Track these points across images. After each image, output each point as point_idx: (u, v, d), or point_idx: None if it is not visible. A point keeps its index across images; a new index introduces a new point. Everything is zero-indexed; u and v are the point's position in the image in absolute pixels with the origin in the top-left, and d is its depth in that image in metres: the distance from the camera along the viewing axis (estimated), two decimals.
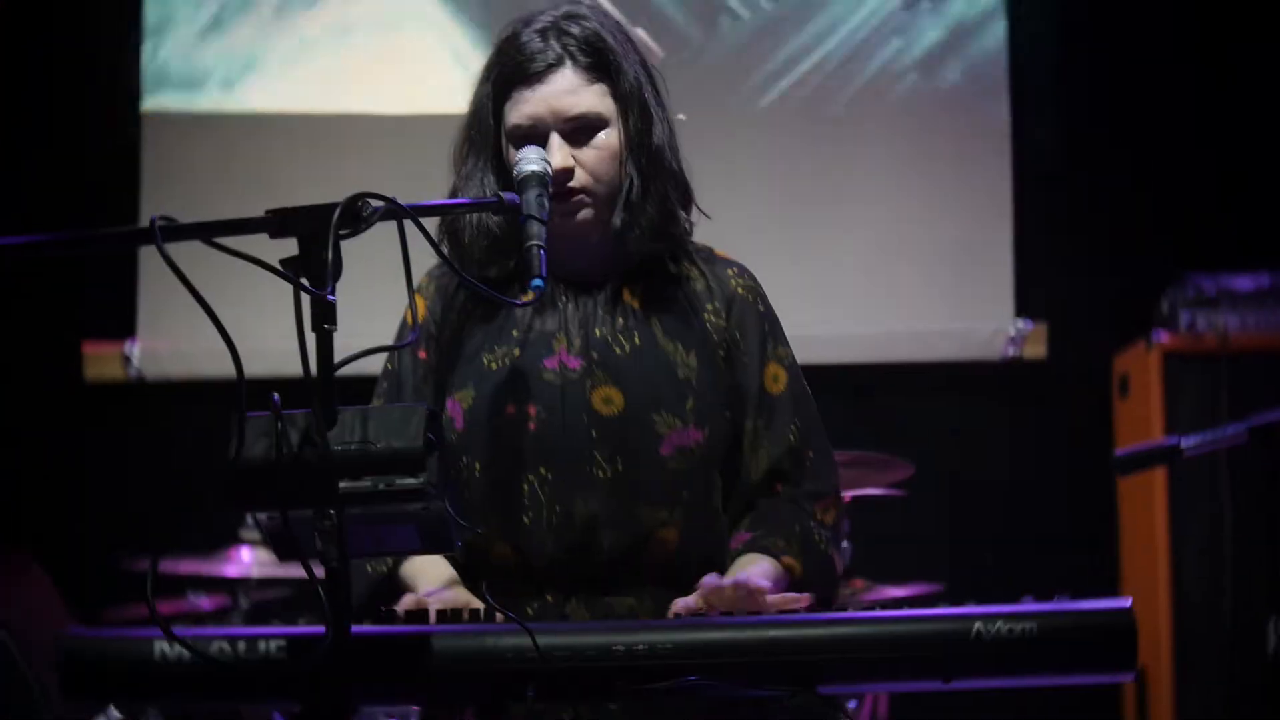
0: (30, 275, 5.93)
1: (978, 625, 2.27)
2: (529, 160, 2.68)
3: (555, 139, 2.76)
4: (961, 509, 6.14)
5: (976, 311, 6.41)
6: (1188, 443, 2.96)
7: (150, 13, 6.49)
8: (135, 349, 6.34)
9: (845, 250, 6.44)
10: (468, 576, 2.78)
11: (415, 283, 2.54)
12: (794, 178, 6.48)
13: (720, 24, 6.54)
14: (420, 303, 2.90)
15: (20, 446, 6.27)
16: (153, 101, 6.46)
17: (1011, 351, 6.38)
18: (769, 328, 2.93)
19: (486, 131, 2.83)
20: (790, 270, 6.32)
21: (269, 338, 3.69)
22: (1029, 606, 2.29)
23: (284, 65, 6.50)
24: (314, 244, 2.17)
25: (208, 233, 2.06)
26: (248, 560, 5.19)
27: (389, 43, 6.45)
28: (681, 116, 6.29)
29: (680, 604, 2.58)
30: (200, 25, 6.51)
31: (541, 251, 2.56)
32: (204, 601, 5.47)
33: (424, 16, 6.44)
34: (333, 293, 2.17)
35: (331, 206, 2.18)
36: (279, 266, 2.17)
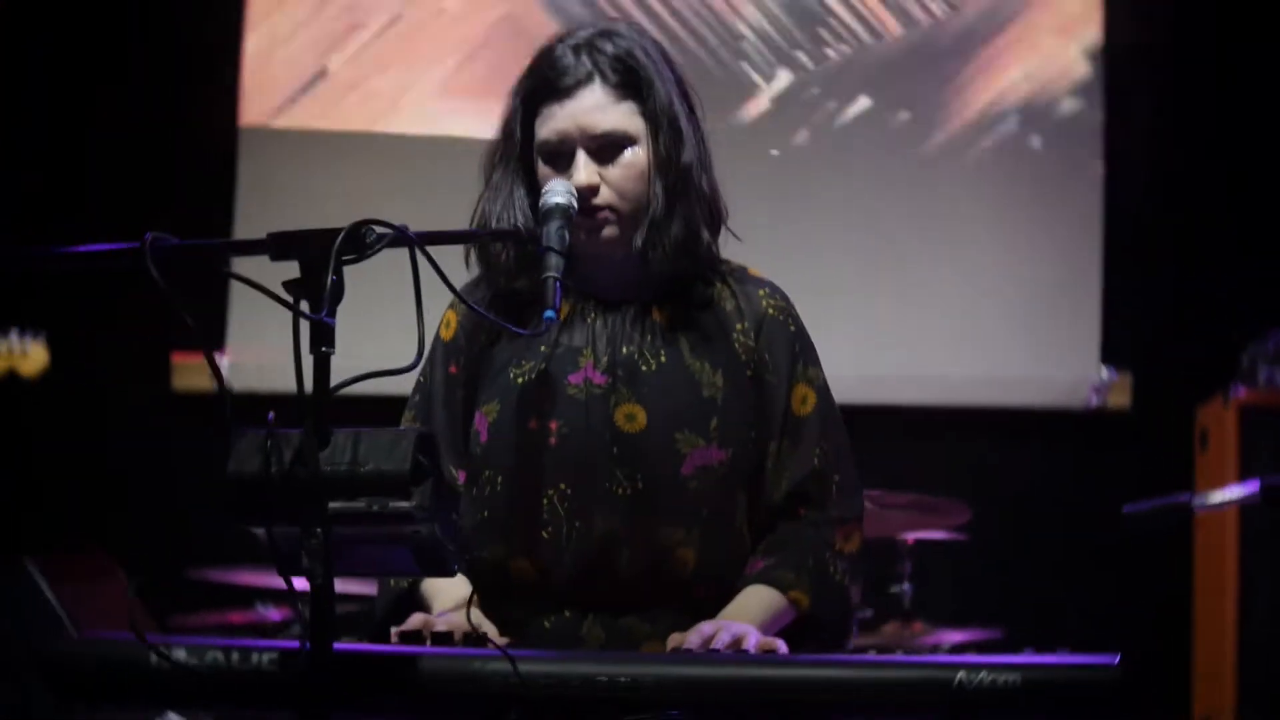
0: (125, 285, 6.04)
1: (961, 675, 2.25)
2: (555, 192, 2.70)
3: (582, 155, 2.76)
4: (1030, 556, 6.09)
5: (1061, 358, 6.37)
6: (1199, 501, 2.93)
7: (252, 27, 6.60)
8: (224, 361, 6.44)
9: (931, 292, 6.43)
10: (488, 591, 2.79)
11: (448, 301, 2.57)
12: (882, 217, 6.48)
13: (823, 57, 6.56)
14: (452, 318, 2.92)
15: (109, 453, 6.39)
16: (251, 116, 6.57)
17: (1096, 400, 6.33)
18: (799, 348, 2.91)
19: (516, 145, 2.83)
20: (875, 310, 6.34)
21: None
22: (1013, 658, 2.27)
23: (382, 85, 6.59)
24: (316, 268, 2.21)
25: (207, 253, 2.10)
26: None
27: (494, 67, 6.51)
28: (774, 152, 6.32)
29: (675, 640, 2.60)
30: (302, 42, 6.61)
31: (557, 284, 2.58)
32: (272, 613, 5.54)
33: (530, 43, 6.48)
34: (332, 316, 2.20)
35: (335, 232, 2.22)
36: (281, 291, 2.20)
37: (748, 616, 2.71)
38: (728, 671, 2.30)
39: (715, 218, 2.89)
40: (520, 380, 2.82)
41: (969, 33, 6.57)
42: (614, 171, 2.78)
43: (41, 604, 5.32)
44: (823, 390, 2.92)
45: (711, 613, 2.71)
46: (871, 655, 2.34)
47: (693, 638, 2.57)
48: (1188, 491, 3.02)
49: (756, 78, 6.51)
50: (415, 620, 2.63)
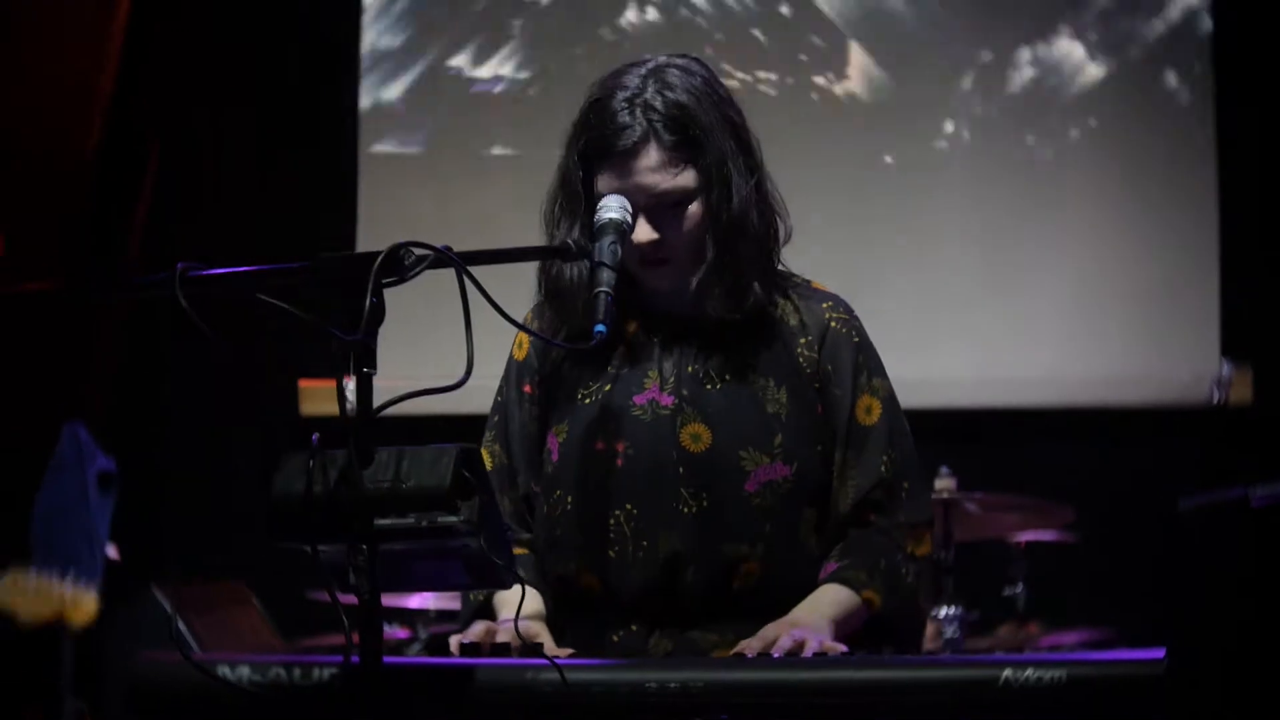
0: (253, 312, 6.16)
1: (1007, 673, 2.25)
2: (609, 208, 2.73)
3: (642, 215, 2.79)
4: (1147, 556, 6.01)
5: (1181, 354, 6.30)
6: (1257, 495, 2.89)
7: (370, 54, 6.72)
8: (351, 385, 6.52)
9: (1045, 291, 6.38)
10: (561, 606, 2.85)
11: (521, 319, 2.66)
12: (996, 215, 6.45)
13: (915, 60, 6.56)
14: (525, 338, 2.97)
15: (240, 479, 6.51)
16: (373, 142, 6.68)
17: (1217, 396, 6.25)
18: (863, 359, 2.91)
19: (576, 198, 2.85)
20: (989, 313, 6.31)
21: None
22: (1059, 655, 2.28)
23: (498, 107, 6.68)
24: (355, 291, 2.27)
25: (242, 280, 2.15)
26: (429, 594, 5.33)
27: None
28: (889, 159, 6.31)
29: (743, 646, 2.62)
30: (420, 67, 6.71)
31: (609, 298, 2.61)
32: (398, 632, 5.63)
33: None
34: (373, 338, 2.26)
35: (373, 255, 2.27)
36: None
37: (819, 613, 2.73)
38: (775, 675, 2.33)
39: (774, 244, 2.90)
40: (588, 402, 2.87)
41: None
42: (673, 225, 2.80)
43: (171, 633, 5.44)
44: (889, 400, 2.93)
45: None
46: (919, 656, 2.33)
47: (755, 642, 2.59)
48: (1241, 486, 2.97)
49: (846, 83, 6.52)
50: (476, 630, 2.68)
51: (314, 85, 6.78)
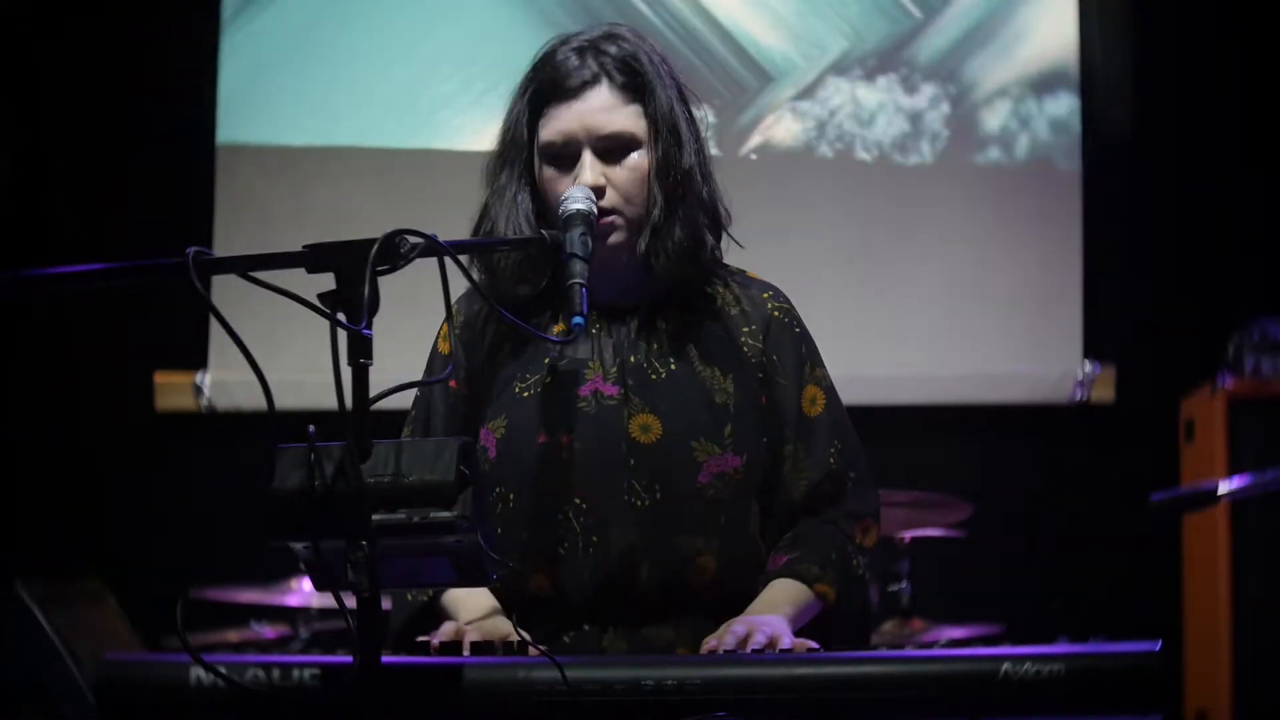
0: (104, 304, 6.02)
1: (1005, 666, 2.26)
2: (575, 199, 2.69)
3: (588, 156, 2.76)
4: (1024, 551, 6.11)
5: (1045, 355, 6.40)
6: (1225, 487, 2.94)
7: (226, 45, 6.58)
8: (206, 379, 6.41)
9: (916, 292, 6.45)
10: (506, 607, 2.78)
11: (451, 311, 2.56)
12: (866, 219, 6.49)
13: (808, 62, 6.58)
14: (448, 331, 2.90)
15: (93, 474, 6.35)
16: (227, 134, 6.55)
17: (1080, 395, 6.36)
18: (806, 350, 2.92)
19: (521, 147, 2.82)
20: (861, 310, 6.35)
21: (307, 370, 3.73)
22: (1057, 648, 2.28)
23: (356, 99, 6.58)
24: (351, 279, 2.20)
25: (244, 266, 2.09)
26: (309, 590, 5.24)
27: (468, 77, 6.50)
28: (753, 156, 6.31)
29: (712, 642, 2.59)
30: (275, 58, 6.59)
31: (583, 290, 2.57)
32: (267, 631, 5.53)
33: (504, 51, 6.46)
34: (369, 328, 2.19)
35: (369, 242, 2.21)
36: (316, 301, 2.20)
37: (776, 611, 2.71)
38: (774, 671, 2.30)
39: (716, 223, 2.89)
40: (526, 394, 2.81)
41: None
42: (619, 174, 2.78)
43: (35, 629, 5.29)
44: (830, 390, 2.94)
45: (734, 614, 2.70)
46: (917, 650, 2.32)
47: (728, 639, 2.57)
48: (1213, 479, 3.02)
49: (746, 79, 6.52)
50: (448, 629, 2.62)
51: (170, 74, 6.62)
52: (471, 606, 2.76)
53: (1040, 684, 2.25)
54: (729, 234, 2.91)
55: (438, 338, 2.94)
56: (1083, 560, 6.15)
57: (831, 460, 2.88)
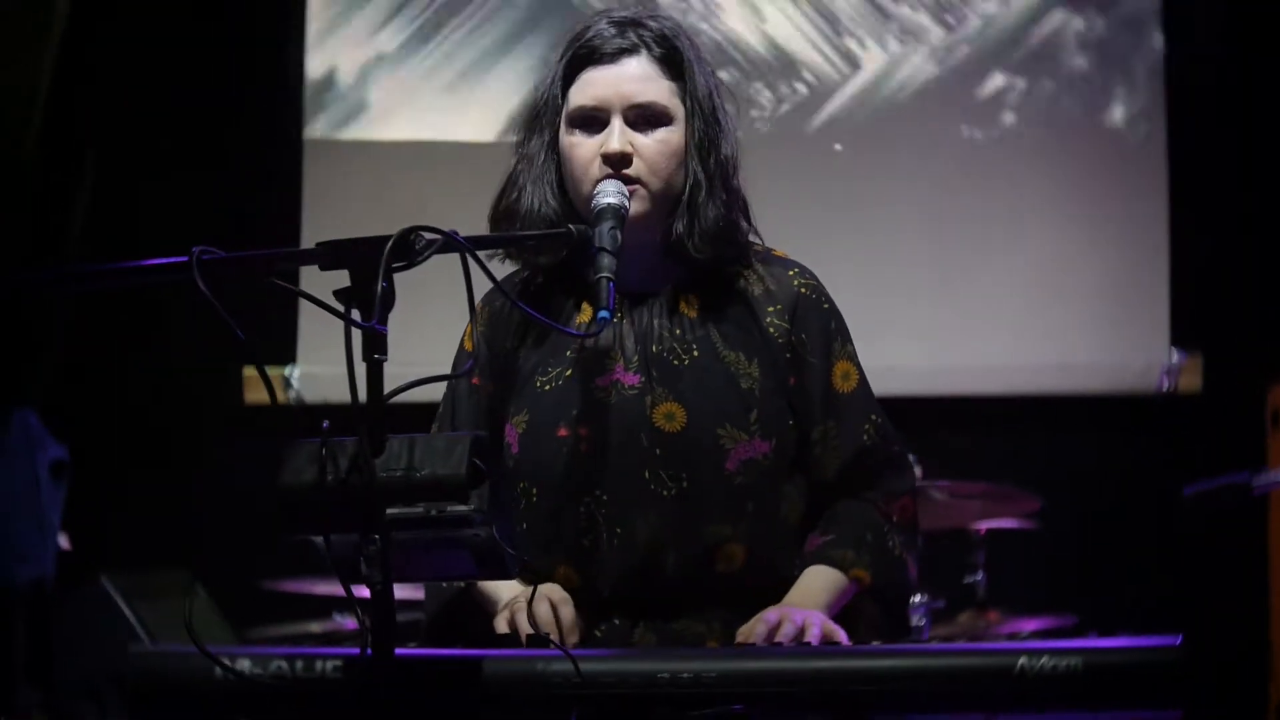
0: (193, 298, 6.08)
1: (1022, 660, 2.24)
2: (607, 193, 2.68)
3: (617, 122, 2.73)
4: (1104, 542, 6.05)
5: (1131, 343, 6.33)
6: (1259, 481, 2.90)
7: (314, 40, 6.64)
8: (295, 373, 6.49)
9: (997, 281, 6.40)
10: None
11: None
12: (950, 205, 6.45)
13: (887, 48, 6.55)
14: (473, 329, 2.89)
15: (182, 467, 6.44)
16: (315, 128, 6.61)
17: (1167, 384, 6.29)
18: (835, 326, 2.86)
19: (555, 112, 2.80)
20: (942, 301, 6.31)
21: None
22: (1074, 642, 2.26)
23: (442, 94, 6.62)
24: (366, 275, 2.22)
25: (254, 264, 2.12)
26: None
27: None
28: (837, 147, 6.30)
29: (743, 634, 2.59)
30: (365, 54, 6.65)
31: (611, 284, 2.55)
32: (349, 622, 5.57)
33: None
34: (384, 324, 2.21)
35: (384, 239, 2.23)
36: (332, 300, 2.22)
37: (812, 600, 2.70)
38: (789, 664, 2.29)
39: (746, 213, 2.86)
40: (548, 388, 2.79)
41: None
42: (648, 145, 2.74)
43: (119, 620, 5.39)
44: (860, 367, 2.89)
45: (765, 606, 2.68)
46: (933, 644, 2.31)
47: (760, 629, 2.57)
48: (1246, 471, 2.98)
49: (807, 73, 6.51)
50: (503, 622, 2.65)
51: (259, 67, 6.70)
52: (505, 590, 2.76)
53: (1057, 678, 2.23)
54: (749, 225, 2.87)
55: (464, 335, 2.94)
56: (1166, 552, 6.07)
57: (865, 436, 2.84)
